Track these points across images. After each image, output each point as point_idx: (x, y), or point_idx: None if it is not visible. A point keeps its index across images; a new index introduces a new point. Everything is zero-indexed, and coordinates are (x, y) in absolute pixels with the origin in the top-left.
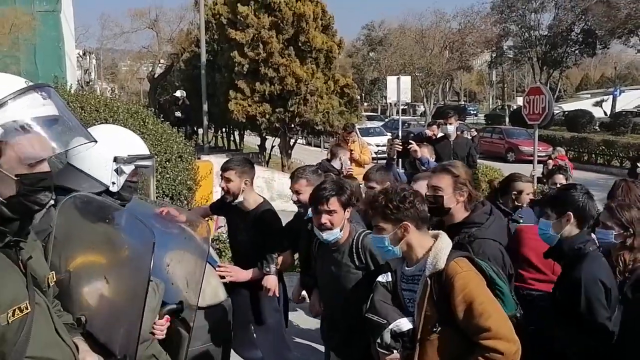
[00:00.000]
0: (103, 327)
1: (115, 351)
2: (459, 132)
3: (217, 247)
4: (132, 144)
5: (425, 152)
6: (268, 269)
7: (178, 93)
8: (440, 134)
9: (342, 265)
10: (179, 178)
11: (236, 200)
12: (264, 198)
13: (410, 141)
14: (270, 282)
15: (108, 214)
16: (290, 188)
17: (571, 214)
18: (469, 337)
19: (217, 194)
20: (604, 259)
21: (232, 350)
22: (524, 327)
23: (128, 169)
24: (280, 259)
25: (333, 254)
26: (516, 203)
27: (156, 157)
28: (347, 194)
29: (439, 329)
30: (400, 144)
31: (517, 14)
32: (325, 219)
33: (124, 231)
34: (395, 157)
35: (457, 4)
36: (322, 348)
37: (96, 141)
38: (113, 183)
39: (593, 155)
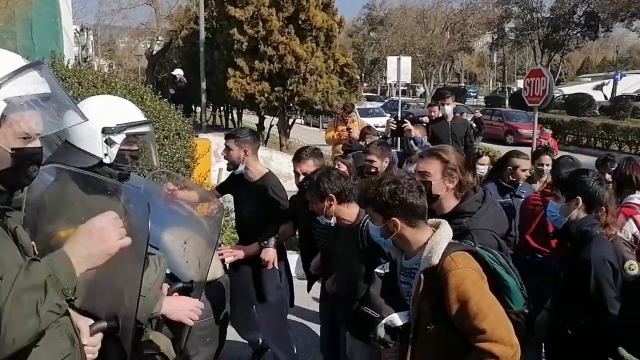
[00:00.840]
0: (87, 296)
1: (102, 316)
2: (457, 113)
3: None
4: (121, 112)
5: (418, 133)
6: (266, 242)
7: (176, 71)
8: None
9: (350, 246)
10: (177, 155)
11: (238, 170)
12: (269, 170)
13: (405, 120)
14: (269, 254)
15: (98, 187)
16: (294, 170)
17: (580, 198)
18: (464, 336)
19: (214, 172)
20: (610, 241)
21: (233, 330)
22: (530, 321)
23: (119, 138)
24: (282, 227)
25: (344, 235)
26: (511, 178)
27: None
28: (322, 185)
29: (433, 327)
30: (395, 123)
31: None
32: (310, 206)
33: (117, 201)
34: (389, 136)
35: None
36: (317, 327)
37: (87, 119)
38: (105, 155)
39: (592, 139)
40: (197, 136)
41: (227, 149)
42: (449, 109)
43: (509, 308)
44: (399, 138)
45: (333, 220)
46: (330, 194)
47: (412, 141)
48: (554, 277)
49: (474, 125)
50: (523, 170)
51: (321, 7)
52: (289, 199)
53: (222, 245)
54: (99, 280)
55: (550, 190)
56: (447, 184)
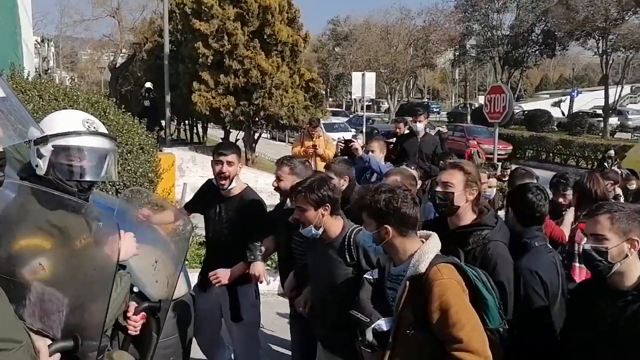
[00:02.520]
0: (43, 315)
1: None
2: (427, 130)
3: None
4: (52, 122)
5: (376, 147)
6: (253, 257)
7: (147, 84)
8: (406, 131)
9: (333, 260)
10: (140, 170)
11: (230, 186)
12: (247, 185)
13: (352, 139)
14: (258, 268)
15: (61, 204)
16: (275, 173)
17: (510, 209)
18: (441, 345)
19: (179, 187)
20: (551, 254)
21: (199, 350)
22: (506, 341)
23: (46, 150)
24: (265, 243)
25: (325, 248)
26: None
27: (117, 148)
28: (320, 192)
29: (413, 332)
30: (343, 142)
31: (480, 13)
32: (296, 214)
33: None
34: (339, 154)
35: (422, 1)
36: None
37: (43, 132)
38: (37, 166)
39: (551, 154)
40: (161, 150)
41: (229, 163)
42: (420, 126)
43: (485, 325)
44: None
45: (320, 231)
46: (328, 203)
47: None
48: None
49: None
50: (482, 184)
51: (286, 22)
52: (272, 209)
53: (187, 262)
54: (59, 299)
55: None
56: (467, 196)
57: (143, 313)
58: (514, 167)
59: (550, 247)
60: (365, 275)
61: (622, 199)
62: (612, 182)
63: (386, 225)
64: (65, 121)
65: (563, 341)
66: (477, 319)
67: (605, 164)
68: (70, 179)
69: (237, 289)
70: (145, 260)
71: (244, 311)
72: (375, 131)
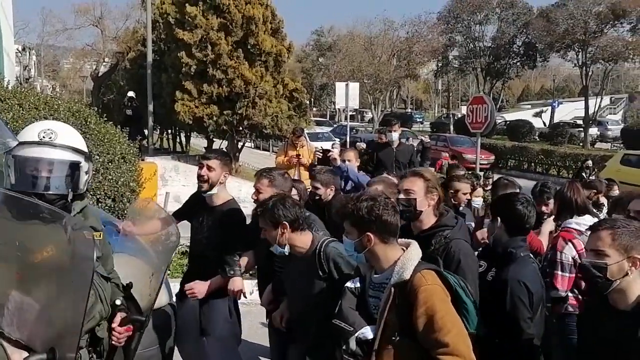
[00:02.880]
0: (21, 326)
1: (37, 349)
2: (402, 140)
3: None
4: (21, 133)
5: (351, 156)
6: (232, 272)
7: (130, 94)
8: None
9: (306, 274)
10: (122, 179)
11: (209, 192)
12: (232, 197)
13: (331, 149)
14: (237, 284)
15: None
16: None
17: (499, 219)
18: (425, 351)
19: (161, 197)
20: (534, 265)
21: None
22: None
23: (10, 161)
24: (243, 260)
25: (298, 262)
26: (453, 201)
27: (98, 158)
28: (275, 213)
29: (398, 339)
30: (321, 151)
31: (462, 25)
32: (262, 234)
33: (59, 230)
34: (316, 164)
35: (405, 13)
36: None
37: (18, 141)
38: (8, 176)
39: (532, 164)
40: (143, 160)
41: (209, 168)
42: (395, 135)
43: (466, 329)
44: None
45: (287, 249)
46: (284, 222)
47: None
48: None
49: (420, 148)
50: (464, 194)
51: (270, 32)
52: (250, 222)
53: (169, 271)
54: (35, 310)
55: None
56: (429, 201)
57: (130, 326)
58: (496, 176)
59: (532, 257)
60: (346, 285)
61: (605, 209)
62: (596, 191)
63: (368, 233)
64: (26, 131)
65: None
66: (461, 324)
67: (583, 174)
68: (29, 189)
69: (210, 302)
70: (143, 274)
71: (216, 326)
72: (358, 140)
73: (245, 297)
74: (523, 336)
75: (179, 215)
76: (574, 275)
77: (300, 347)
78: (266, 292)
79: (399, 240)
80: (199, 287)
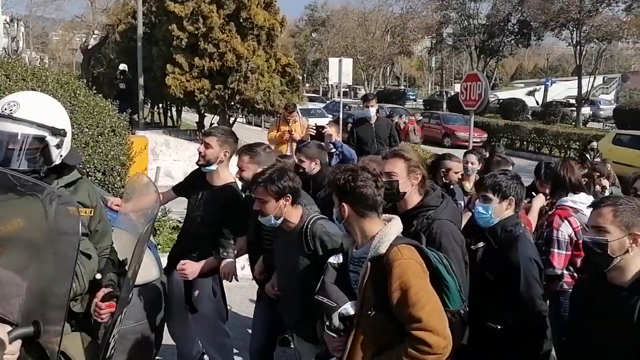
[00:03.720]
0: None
1: (19, 322)
2: (379, 114)
3: None
4: None
5: (332, 131)
6: (225, 254)
7: (122, 66)
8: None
9: (293, 249)
10: (112, 153)
11: (208, 167)
12: (234, 179)
13: (326, 125)
14: (229, 267)
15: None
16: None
17: (513, 199)
18: (400, 326)
19: (152, 171)
20: (530, 237)
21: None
22: (466, 323)
23: None
24: (239, 242)
25: (286, 237)
26: (444, 180)
27: (87, 130)
28: (280, 183)
29: (374, 313)
30: (314, 128)
31: (457, 1)
32: (256, 205)
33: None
34: (309, 140)
35: None
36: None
37: None
38: None
39: (525, 143)
40: (134, 133)
41: (207, 145)
42: (372, 110)
43: (446, 307)
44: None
45: (279, 221)
46: (288, 194)
47: (331, 145)
48: (476, 274)
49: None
50: (455, 173)
51: (263, 5)
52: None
53: (159, 246)
54: (15, 284)
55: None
56: (412, 181)
57: (112, 302)
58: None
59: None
60: (329, 260)
61: (607, 191)
62: (599, 173)
63: (343, 204)
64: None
65: (568, 336)
66: (437, 300)
67: (587, 155)
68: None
69: (194, 281)
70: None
71: (201, 303)
72: (351, 118)
73: (237, 280)
74: (539, 314)
75: (179, 189)
76: (570, 252)
77: (285, 322)
78: (258, 264)
79: (384, 215)
80: (191, 268)
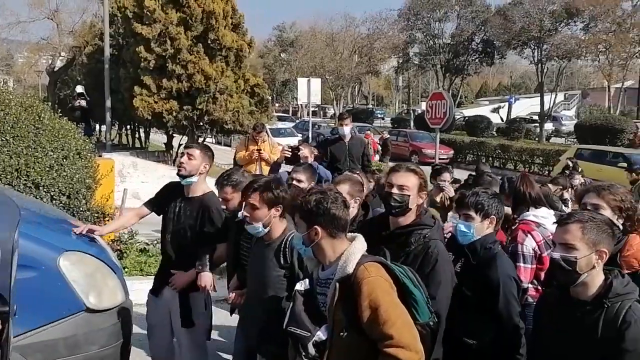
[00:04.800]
0: None
1: None
2: (353, 133)
3: (118, 248)
4: None
5: (307, 153)
6: (201, 267)
7: (78, 88)
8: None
9: (268, 261)
10: (77, 176)
11: (187, 179)
12: (212, 190)
13: (300, 147)
14: (205, 279)
15: None
16: (219, 197)
17: (494, 217)
18: (373, 344)
19: (118, 193)
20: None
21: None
22: (436, 334)
23: None
24: (219, 249)
25: (264, 248)
26: None
27: (52, 154)
28: (277, 192)
29: (346, 333)
30: (290, 150)
31: (422, 22)
32: (246, 211)
33: None
34: (283, 162)
35: (367, 9)
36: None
37: None
38: None
39: (490, 159)
40: (100, 156)
41: (190, 156)
42: (347, 129)
43: (416, 320)
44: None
45: (266, 230)
46: (281, 204)
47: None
48: (456, 291)
49: (380, 145)
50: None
51: (231, 27)
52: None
53: (126, 269)
54: None
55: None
56: (419, 199)
57: None
58: (456, 171)
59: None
60: (296, 288)
61: (570, 204)
62: (561, 187)
63: (316, 226)
64: None
65: (531, 349)
66: (407, 315)
67: (567, 171)
68: None
69: (189, 295)
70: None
71: (195, 317)
72: (321, 136)
73: (215, 291)
74: (516, 331)
75: (151, 205)
76: (535, 266)
77: (251, 336)
78: (233, 280)
79: (348, 234)
80: (178, 279)
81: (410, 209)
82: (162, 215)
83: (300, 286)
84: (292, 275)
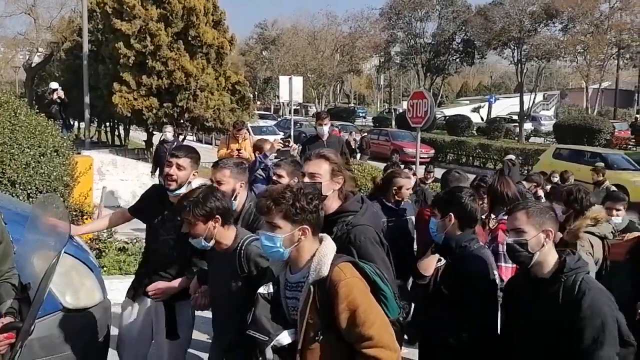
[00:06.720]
0: None
1: None
2: (330, 131)
3: (97, 246)
4: None
5: (267, 148)
6: (190, 275)
7: (52, 85)
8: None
9: (227, 271)
10: (55, 174)
11: (178, 192)
12: None
13: (289, 140)
14: (194, 286)
15: None
16: (210, 178)
17: (452, 215)
18: (350, 346)
19: (97, 191)
20: (488, 253)
21: None
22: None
23: None
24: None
25: (220, 259)
26: (396, 198)
27: (29, 151)
28: (207, 205)
29: (322, 337)
30: (281, 143)
31: (404, 21)
32: (184, 227)
33: None
34: (276, 156)
35: (349, 8)
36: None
37: None
38: None
39: (470, 158)
40: (79, 153)
41: (179, 167)
42: (325, 129)
43: (387, 317)
44: None
45: (211, 243)
46: (217, 215)
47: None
48: (433, 289)
49: (359, 144)
50: (407, 189)
51: (212, 24)
52: None
53: (105, 268)
54: None
55: (430, 208)
56: (334, 185)
57: (11, 333)
58: (436, 170)
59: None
60: (259, 291)
61: (543, 200)
62: (535, 184)
63: (304, 226)
64: None
65: (506, 335)
66: (383, 315)
67: (505, 168)
68: None
69: (175, 305)
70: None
71: (180, 329)
72: (303, 135)
73: (191, 303)
74: (490, 328)
75: (135, 211)
76: (515, 265)
77: (219, 346)
78: (193, 281)
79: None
80: (164, 289)
81: (326, 195)
82: (147, 222)
83: (264, 290)
84: (250, 284)
